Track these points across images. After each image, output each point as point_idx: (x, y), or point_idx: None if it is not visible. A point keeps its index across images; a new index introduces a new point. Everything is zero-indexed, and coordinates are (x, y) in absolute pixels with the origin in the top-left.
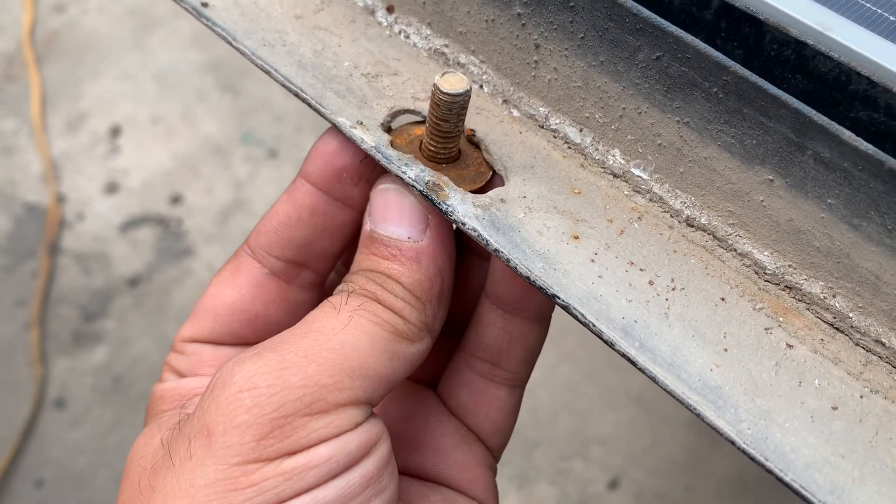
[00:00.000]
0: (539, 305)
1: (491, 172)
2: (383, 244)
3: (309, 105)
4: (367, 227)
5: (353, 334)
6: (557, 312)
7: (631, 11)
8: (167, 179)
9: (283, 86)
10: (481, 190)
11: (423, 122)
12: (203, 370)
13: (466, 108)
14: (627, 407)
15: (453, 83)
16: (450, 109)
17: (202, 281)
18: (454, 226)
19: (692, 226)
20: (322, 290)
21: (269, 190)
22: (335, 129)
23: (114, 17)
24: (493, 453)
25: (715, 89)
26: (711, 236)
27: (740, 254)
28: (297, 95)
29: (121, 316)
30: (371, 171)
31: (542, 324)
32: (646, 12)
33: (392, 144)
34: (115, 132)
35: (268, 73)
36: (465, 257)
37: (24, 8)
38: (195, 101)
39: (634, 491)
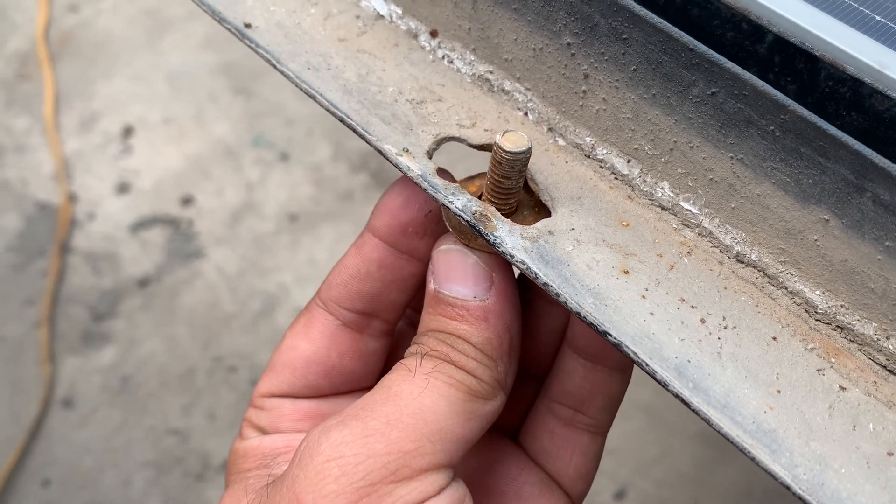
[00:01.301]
0: (621, 356)
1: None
2: (450, 304)
3: (354, 131)
4: (430, 286)
5: (431, 397)
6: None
7: (687, 46)
8: (178, 180)
9: (328, 111)
10: None
11: (476, 177)
12: (284, 425)
13: (527, 164)
14: (635, 417)
15: (515, 141)
16: (512, 167)
17: (212, 282)
18: (517, 274)
19: (742, 262)
20: (392, 337)
21: (279, 193)
22: (400, 183)
23: (127, 18)
24: (575, 500)
25: (772, 127)
26: (762, 273)
27: (791, 292)
28: (342, 121)
29: (130, 316)
30: (436, 224)
31: (625, 373)
32: (702, 47)
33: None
34: (128, 132)
35: (313, 97)
36: (534, 302)
37: (39, 7)
38: (207, 103)
39: (641, 502)
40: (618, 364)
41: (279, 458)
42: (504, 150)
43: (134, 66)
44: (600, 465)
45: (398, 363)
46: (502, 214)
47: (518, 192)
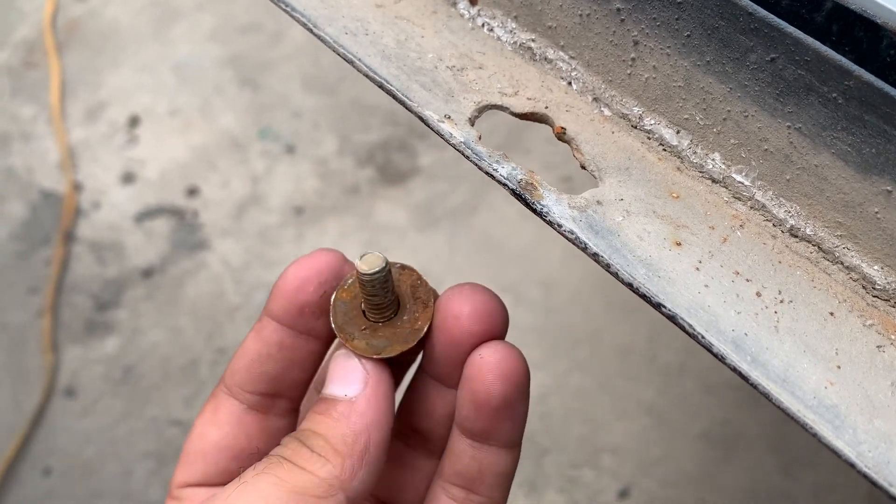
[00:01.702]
0: (508, 434)
1: (424, 330)
2: (323, 402)
3: (394, 97)
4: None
5: (248, 498)
6: (563, 321)
7: (746, 10)
8: (184, 171)
9: (367, 76)
10: (412, 350)
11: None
12: None
13: (390, 279)
14: (639, 417)
15: (371, 263)
16: (374, 286)
17: (216, 274)
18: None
19: (796, 236)
20: (297, 414)
21: (285, 185)
22: (295, 266)
23: (135, 8)
24: None
25: (834, 94)
26: (817, 248)
27: (847, 267)
28: (381, 87)
29: (133, 306)
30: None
31: (513, 450)
32: (762, 11)
33: (336, 296)
34: (134, 122)
35: (351, 62)
36: (428, 387)
37: None
38: (214, 95)
39: (645, 501)
40: (505, 442)
41: None
42: (361, 273)
43: (141, 56)
44: (604, 463)
45: None
46: (381, 323)
47: (391, 305)
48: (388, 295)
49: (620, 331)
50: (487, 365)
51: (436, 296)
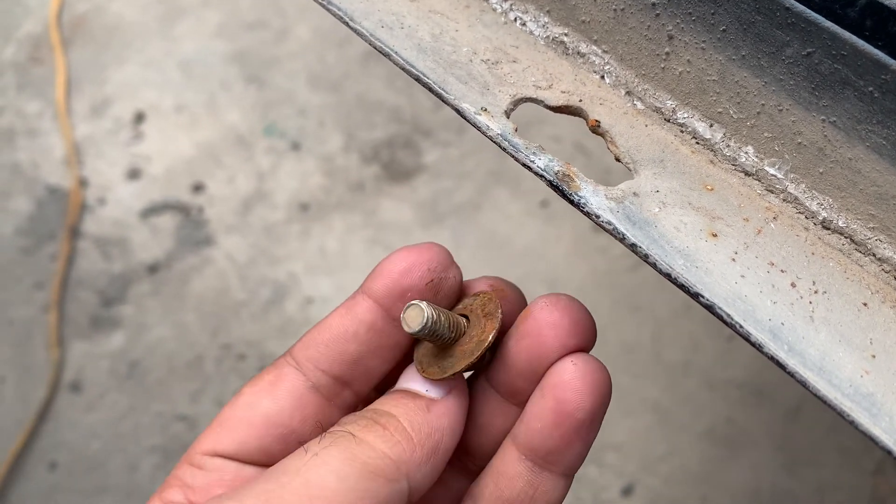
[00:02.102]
0: (575, 457)
1: (489, 339)
2: (400, 393)
3: (431, 90)
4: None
5: (319, 472)
6: None
7: (783, 5)
8: (189, 168)
9: (404, 69)
10: (476, 363)
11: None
12: (218, 492)
13: (440, 320)
14: (643, 414)
15: (411, 320)
16: (425, 335)
17: (221, 270)
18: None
19: (828, 228)
20: None
21: (290, 183)
22: (405, 251)
23: (140, 4)
24: None
25: (870, 88)
26: (849, 240)
27: (879, 258)
28: (417, 80)
29: (139, 302)
30: (434, 294)
31: (568, 480)
32: (799, 6)
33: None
34: (139, 119)
35: (387, 55)
36: (487, 398)
37: None
38: (219, 91)
39: (648, 498)
40: (567, 468)
41: None
42: (408, 332)
43: (146, 52)
44: (608, 460)
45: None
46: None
47: (453, 331)
48: (444, 332)
49: (625, 328)
50: (580, 372)
51: (501, 305)
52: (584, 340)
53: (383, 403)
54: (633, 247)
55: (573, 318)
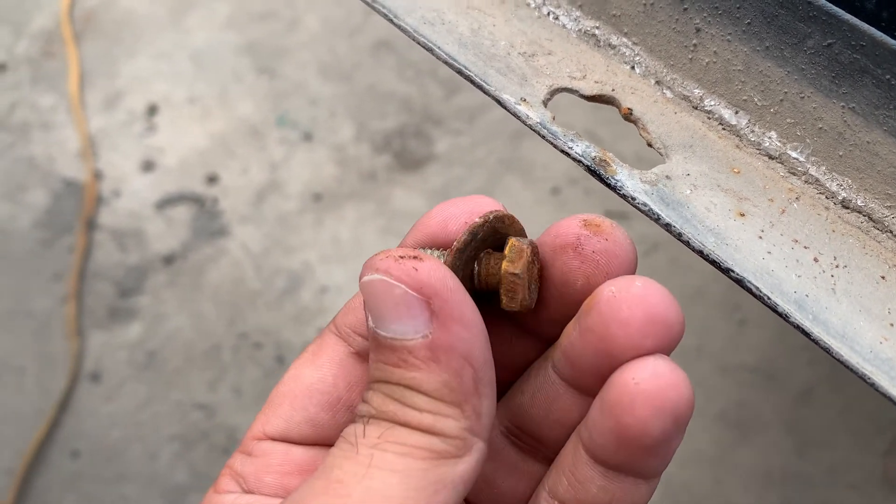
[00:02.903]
0: (654, 468)
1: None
2: (390, 349)
3: (472, 82)
4: (369, 323)
5: (380, 476)
6: None
7: None
8: (203, 159)
9: (446, 63)
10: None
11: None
12: (268, 478)
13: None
14: None
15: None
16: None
17: (237, 260)
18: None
19: (848, 207)
20: None
21: (303, 172)
22: (441, 205)
23: None
24: None
25: (888, 76)
26: (867, 218)
27: None
28: (460, 73)
29: (155, 293)
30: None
31: (655, 480)
32: (820, 0)
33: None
34: (152, 111)
35: (430, 50)
36: (555, 386)
37: None
38: (231, 82)
39: (662, 482)
40: (648, 474)
41: None
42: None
43: (157, 44)
44: None
45: (342, 433)
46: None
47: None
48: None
49: None
50: (644, 395)
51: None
52: (663, 340)
53: (389, 373)
54: (667, 226)
55: (648, 314)
